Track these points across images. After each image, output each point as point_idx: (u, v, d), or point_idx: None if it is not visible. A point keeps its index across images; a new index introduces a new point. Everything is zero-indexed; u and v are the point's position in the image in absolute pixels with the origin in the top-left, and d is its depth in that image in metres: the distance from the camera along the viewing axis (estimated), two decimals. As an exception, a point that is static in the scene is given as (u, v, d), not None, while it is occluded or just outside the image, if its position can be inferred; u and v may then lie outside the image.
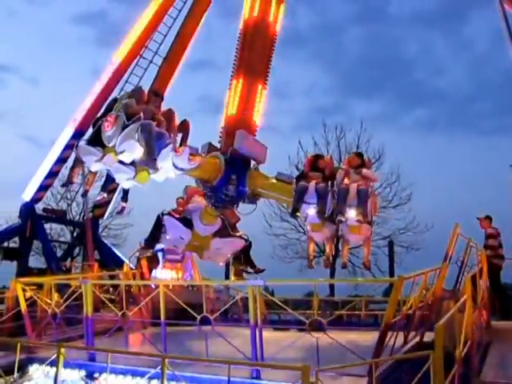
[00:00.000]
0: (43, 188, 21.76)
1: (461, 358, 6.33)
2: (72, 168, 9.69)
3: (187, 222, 10.84)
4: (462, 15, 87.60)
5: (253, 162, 11.46)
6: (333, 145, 28.37)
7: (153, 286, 13.26)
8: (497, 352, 9.10)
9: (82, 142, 9.18)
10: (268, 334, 9.88)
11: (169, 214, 10.98)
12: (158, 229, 11.02)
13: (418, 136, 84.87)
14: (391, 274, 22.20)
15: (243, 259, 11.42)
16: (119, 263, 19.21)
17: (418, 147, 74.06)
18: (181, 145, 9.25)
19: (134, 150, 8.38)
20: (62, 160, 21.20)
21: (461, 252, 11.41)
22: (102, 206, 22.66)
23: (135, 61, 21.69)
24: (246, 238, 11.53)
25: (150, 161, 8.42)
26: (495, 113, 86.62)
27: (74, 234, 27.65)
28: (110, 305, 10.35)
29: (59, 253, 26.04)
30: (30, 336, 10.35)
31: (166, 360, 6.04)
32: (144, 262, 14.36)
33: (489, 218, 12.53)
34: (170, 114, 9.25)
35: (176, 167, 8.97)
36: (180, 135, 9.40)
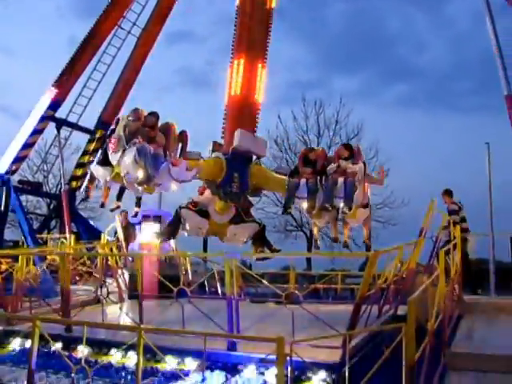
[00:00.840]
0: (18, 159, 21.45)
1: (432, 330, 6.47)
2: (88, 183, 11.02)
3: (204, 213, 11.20)
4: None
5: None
6: (312, 119, 28.55)
7: (130, 259, 13.32)
8: (467, 325, 9.34)
9: (94, 163, 10.25)
10: (245, 306, 9.99)
11: (186, 207, 11.22)
12: (176, 223, 11.29)
13: (398, 112, 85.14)
14: (368, 249, 22.44)
15: (260, 241, 11.75)
16: (96, 236, 19.14)
17: (398, 123, 74.31)
18: (181, 155, 9.94)
19: (136, 172, 9.24)
20: (37, 131, 20.90)
21: (436, 227, 11.62)
22: (80, 178, 22.50)
23: (113, 31, 21.34)
24: (259, 222, 11.96)
25: (149, 181, 9.32)
26: (475, 91, 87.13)
27: (51, 207, 27.41)
28: (86, 277, 10.34)
29: (36, 225, 25.82)
30: (6, 309, 10.32)
31: (142, 332, 6.06)
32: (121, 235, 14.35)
33: (448, 193, 12.52)
34: (168, 127, 9.88)
35: (176, 180, 9.68)
36: (180, 145, 10.08)
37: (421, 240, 9.51)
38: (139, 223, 16.37)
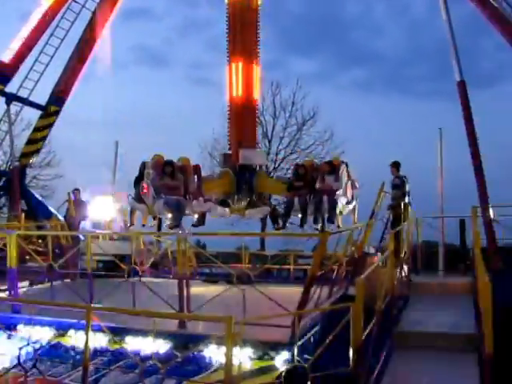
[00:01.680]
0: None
1: (380, 310, 6.61)
2: (130, 215, 12.35)
3: (225, 203, 13.12)
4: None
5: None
6: (268, 101, 28.41)
7: (82, 238, 13.09)
8: (414, 305, 9.59)
9: (131, 199, 12.20)
10: (197, 286, 9.99)
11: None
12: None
13: (355, 96, 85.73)
14: (322, 230, 22.71)
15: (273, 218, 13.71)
16: (48, 215, 18.73)
17: (354, 107, 74.81)
18: (199, 186, 12.36)
19: (167, 215, 11.71)
20: (-14, 105, 20.19)
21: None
22: (30, 155, 21.92)
23: (66, 4, 20.69)
24: (269, 204, 13.94)
25: (177, 226, 11.35)
26: (430, 77, 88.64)
27: (0, 184, 26.63)
28: (35, 256, 10.11)
29: (-16, 203, 25.10)
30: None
31: (91, 311, 5.97)
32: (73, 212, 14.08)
33: (396, 165, 12.51)
34: (184, 168, 12.22)
35: (197, 212, 12.36)
36: (195, 176, 12.46)
37: (371, 221, 9.67)
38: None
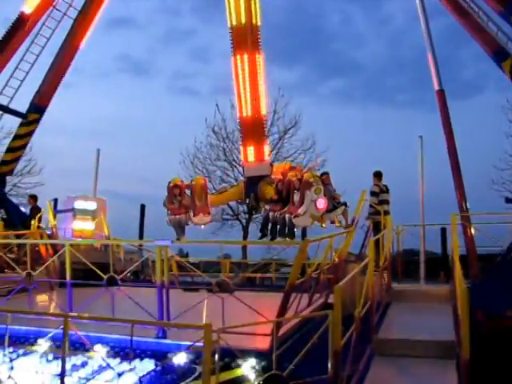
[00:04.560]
0: None
1: (359, 317, 6.62)
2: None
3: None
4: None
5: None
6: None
7: (61, 246, 12.95)
8: (395, 312, 9.63)
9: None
10: (177, 295, 9.93)
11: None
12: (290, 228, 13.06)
13: (335, 106, 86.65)
14: (303, 238, 22.73)
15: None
16: (27, 223, 18.53)
17: (335, 116, 75.59)
18: (206, 201, 14.00)
19: None
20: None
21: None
22: (10, 163, 21.70)
23: (47, 12, 20.57)
24: (344, 203, 13.55)
25: (178, 237, 13.22)
26: (409, 87, 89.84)
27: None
28: (13, 264, 9.99)
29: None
30: None
31: (69, 320, 5.91)
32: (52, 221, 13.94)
33: (377, 175, 12.76)
34: (192, 187, 14.12)
35: (198, 225, 13.86)
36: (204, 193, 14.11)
37: (352, 229, 9.70)
38: (72, 209, 16.05)
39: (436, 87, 17.02)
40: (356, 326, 6.37)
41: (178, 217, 13.60)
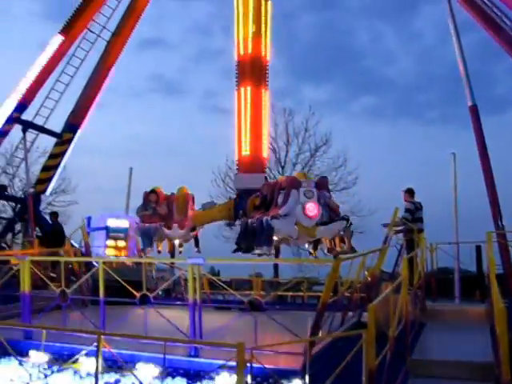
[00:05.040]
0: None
1: (393, 337, 6.51)
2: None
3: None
4: (412, 8, 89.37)
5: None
6: (281, 127, 28.52)
7: (95, 264, 13.09)
8: (429, 332, 9.44)
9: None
10: (209, 313, 9.91)
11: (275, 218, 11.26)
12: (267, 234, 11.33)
13: (366, 122, 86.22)
14: (335, 257, 22.51)
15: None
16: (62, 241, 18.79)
17: (366, 133, 75.20)
18: (185, 215, 12.93)
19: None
20: (2, 133, 20.43)
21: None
22: (45, 181, 22.12)
23: (82, 34, 21.06)
24: (347, 218, 12.03)
25: (143, 247, 13.05)
26: (439, 103, 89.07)
27: (16, 210, 26.82)
28: (48, 282, 10.13)
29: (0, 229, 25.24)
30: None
31: (102, 337, 5.96)
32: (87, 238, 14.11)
33: (409, 191, 12.50)
34: (170, 199, 13.24)
35: (173, 238, 13.16)
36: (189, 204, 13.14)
37: (385, 247, 9.58)
38: (106, 228, 16.22)
39: (469, 103, 16.82)
40: (390, 345, 6.26)
41: (147, 225, 12.84)
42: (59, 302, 9.55)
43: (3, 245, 21.11)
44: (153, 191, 12.99)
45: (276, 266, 23.69)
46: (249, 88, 13.75)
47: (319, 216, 11.08)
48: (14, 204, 27.56)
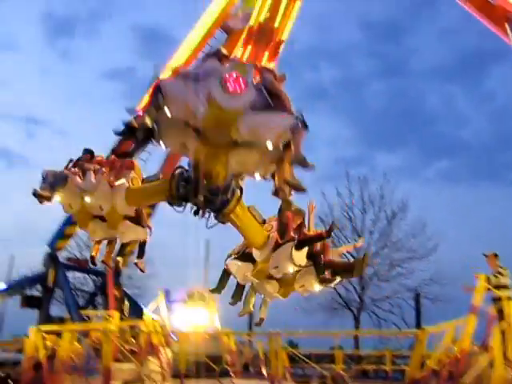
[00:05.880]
0: (63, 236, 21.94)
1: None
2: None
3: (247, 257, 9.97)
4: (482, 68, 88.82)
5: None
6: (356, 195, 28.34)
7: (174, 338, 13.13)
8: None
9: None
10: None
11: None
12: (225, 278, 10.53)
13: (442, 187, 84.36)
14: (418, 327, 21.49)
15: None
16: (141, 313, 19.04)
17: (442, 199, 73.30)
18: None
19: None
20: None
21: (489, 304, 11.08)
22: (126, 255, 22.67)
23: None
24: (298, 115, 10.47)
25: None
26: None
27: (97, 283, 27.56)
28: (129, 355, 10.20)
29: (81, 302, 25.92)
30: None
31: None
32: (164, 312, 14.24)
33: (494, 256, 11.84)
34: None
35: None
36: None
37: (472, 317, 9.08)
38: (184, 300, 16.36)
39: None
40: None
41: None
42: (140, 375, 9.57)
43: (84, 317, 21.55)
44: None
45: (356, 338, 22.87)
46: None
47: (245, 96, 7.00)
48: (95, 277, 28.41)
